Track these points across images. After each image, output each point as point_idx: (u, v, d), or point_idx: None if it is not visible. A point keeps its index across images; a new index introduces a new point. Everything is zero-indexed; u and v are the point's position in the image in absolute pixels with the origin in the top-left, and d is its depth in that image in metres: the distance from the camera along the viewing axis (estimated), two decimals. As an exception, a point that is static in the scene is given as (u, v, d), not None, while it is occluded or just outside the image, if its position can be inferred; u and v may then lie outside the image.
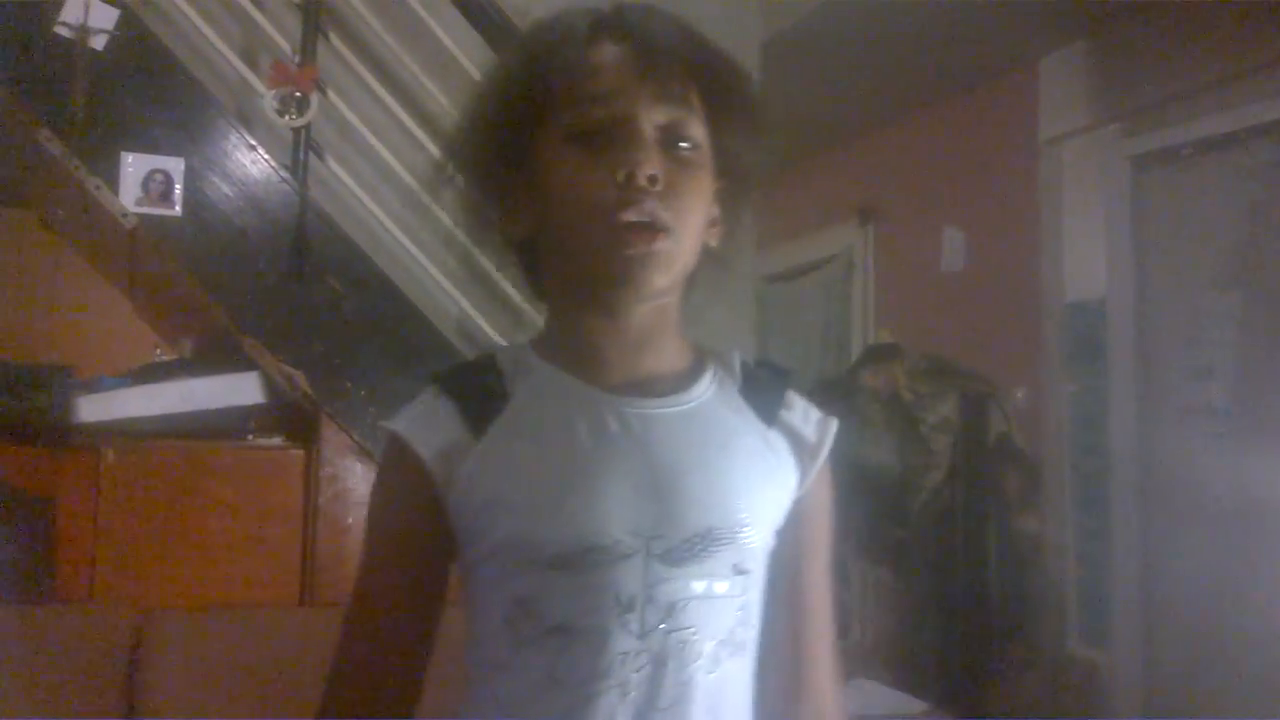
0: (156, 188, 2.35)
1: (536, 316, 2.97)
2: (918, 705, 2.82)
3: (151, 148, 2.37)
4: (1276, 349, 2.85)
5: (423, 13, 2.80)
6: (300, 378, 2.43)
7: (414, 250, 2.73)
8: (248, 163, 2.44)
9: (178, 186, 2.37)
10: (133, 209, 2.34)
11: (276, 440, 2.52)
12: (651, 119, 0.94)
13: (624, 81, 0.95)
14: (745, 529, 0.97)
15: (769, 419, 1.04)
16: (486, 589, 0.97)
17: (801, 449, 1.05)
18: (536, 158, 0.98)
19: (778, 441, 1.04)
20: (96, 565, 2.32)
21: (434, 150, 2.78)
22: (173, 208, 2.37)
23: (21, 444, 2.39)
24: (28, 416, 2.43)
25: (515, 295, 2.92)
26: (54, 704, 2.13)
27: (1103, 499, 3.25)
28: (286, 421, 2.55)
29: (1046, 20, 3.27)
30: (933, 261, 3.96)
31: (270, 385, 2.52)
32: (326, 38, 2.66)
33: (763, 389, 1.06)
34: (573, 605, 0.92)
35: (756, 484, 1.00)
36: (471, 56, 2.87)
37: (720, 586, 0.96)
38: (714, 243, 1.03)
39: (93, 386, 2.48)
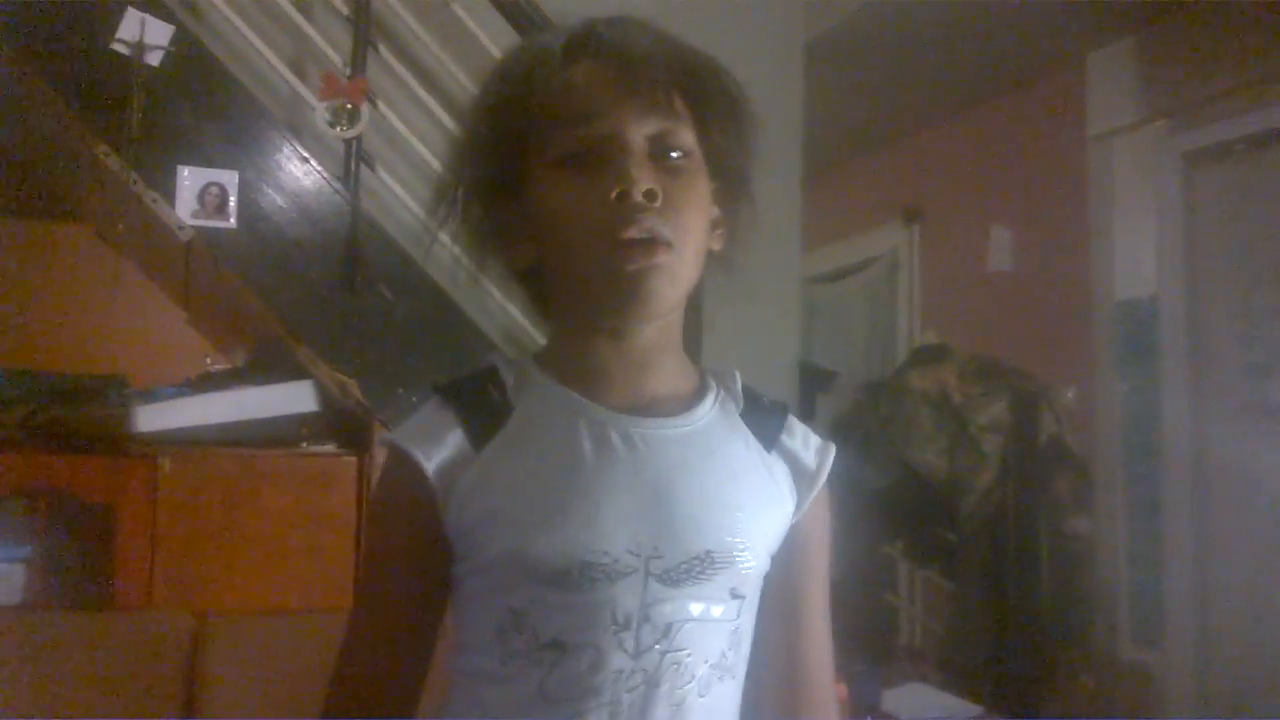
0: (212, 200, 2.39)
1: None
2: (970, 709, 2.81)
3: (206, 161, 2.40)
4: (1334, 346, 2.80)
5: (470, 23, 2.82)
6: (353, 385, 2.46)
7: (462, 257, 2.74)
8: (300, 174, 2.48)
9: (232, 199, 2.41)
10: (189, 222, 2.38)
11: (330, 447, 2.55)
12: (639, 132, 0.93)
13: (606, 99, 0.94)
14: (743, 553, 0.96)
15: (769, 443, 1.04)
16: (480, 600, 0.97)
17: (800, 475, 1.04)
18: (530, 187, 0.97)
19: (777, 466, 1.03)
20: (154, 572, 2.36)
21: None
22: (228, 220, 2.41)
23: (81, 454, 2.43)
24: (87, 427, 2.48)
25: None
26: (113, 708, 2.17)
27: (1155, 500, 3.22)
28: (339, 429, 2.58)
29: (1094, 16, 3.24)
30: (980, 261, 3.94)
31: (323, 393, 2.55)
32: (376, 49, 2.69)
33: (764, 413, 1.05)
34: (568, 621, 0.92)
35: (755, 508, 1.00)
36: (517, 65, 2.89)
37: (717, 610, 0.96)
38: (717, 246, 1.02)
39: (150, 397, 2.52)
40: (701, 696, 0.95)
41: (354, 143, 2.58)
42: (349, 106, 2.54)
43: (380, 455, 2.48)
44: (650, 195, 0.91)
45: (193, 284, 2.76)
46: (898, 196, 4.57)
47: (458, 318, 2.62)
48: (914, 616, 4.14)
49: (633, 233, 0.90)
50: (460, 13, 2.82)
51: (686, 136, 0.96)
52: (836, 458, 1.06)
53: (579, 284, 0.96)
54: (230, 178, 2.41)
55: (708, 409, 1.02)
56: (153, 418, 2.45)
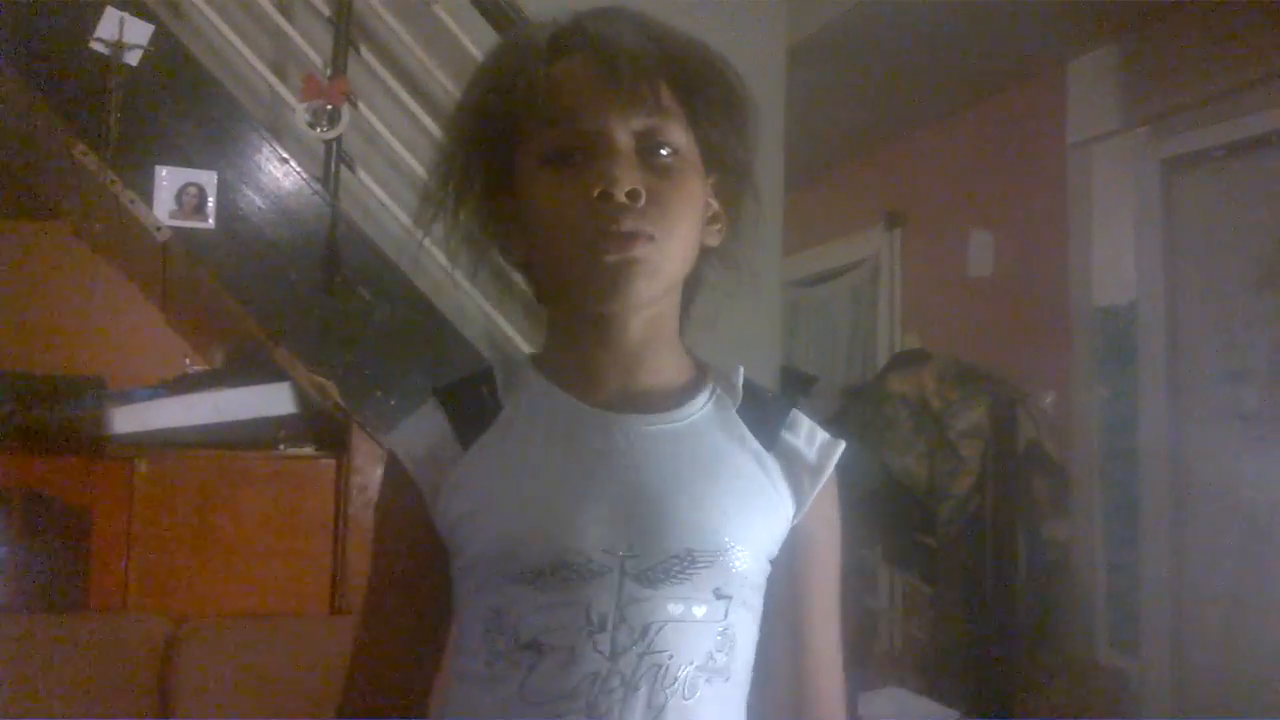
0: (190, 201, 2.38)
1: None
2: (948, 713, 2.82)
3: (185, 161, 2.39)
4: (1311, 353, 2.82)
5: (452, 24, 2.81)
6: (331, 387, 2.45)
7: (444, 260, 2.73)
8: (280, 175, 2.46)
9: (211, 199, 2.39)
10: (166, 222, 2.36)
11: (308, 450, 2.54)
12: (625, 130, 0.92)
13: (591, 95, 0.93)
14: (729, 552, 0.94)
15: (767, 440, 1.01)
16: (469, 600, 0.96)
17: (799, 472, 1.01)
18: (517, 182, 0.97)
19: (773, 463, 1.00)
20: (130, 574, 2.35)
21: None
22: (206, 220, 2.39)
23: (56, 455, 2.42)
24: (62, 427, 2.46)
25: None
26: (87, 711, 2.16)
27: (1133, 505, 3.23)
28: (317, 431, 2.57)
29: (1075, 23, 3.25)
30: (961, 266, 3.95)
31: (301, 395, 2.54)
32: (357, 51, 2.68)
33: (764, 409, 1.03)
34: (544, 622, 0.91)
35: (743, 506, 0.97)
36: (500, 67, 2.88)
37: (699, 610, 0.93)
38: (714, 242, 1.02)
39: (126, 398, 2.51)
40: (686, 699, 0.92)
41: (334, 144, 2.57)
42: (329, 107, 2.53)
43: (358, 457, 2.47)
44: (633, 195, 0.90)
45: (170, 285, 2.74)
46: (880, 201, 4.58)
47: (437, 320, 2.61)
48: (892, 621, 4.14)
49: (613, 228, 0.90)
50: (442, 14, 2.81)
51: (676, 133, 0.95)
52: (843, 454, 1.04)
53: (564, 278, 0.96)
54: (209, 178, 2.39)
55: (700, 405, 1.00)
56: (129, 419, 2.44)
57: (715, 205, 1.01)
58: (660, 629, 0.91)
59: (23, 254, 3.08)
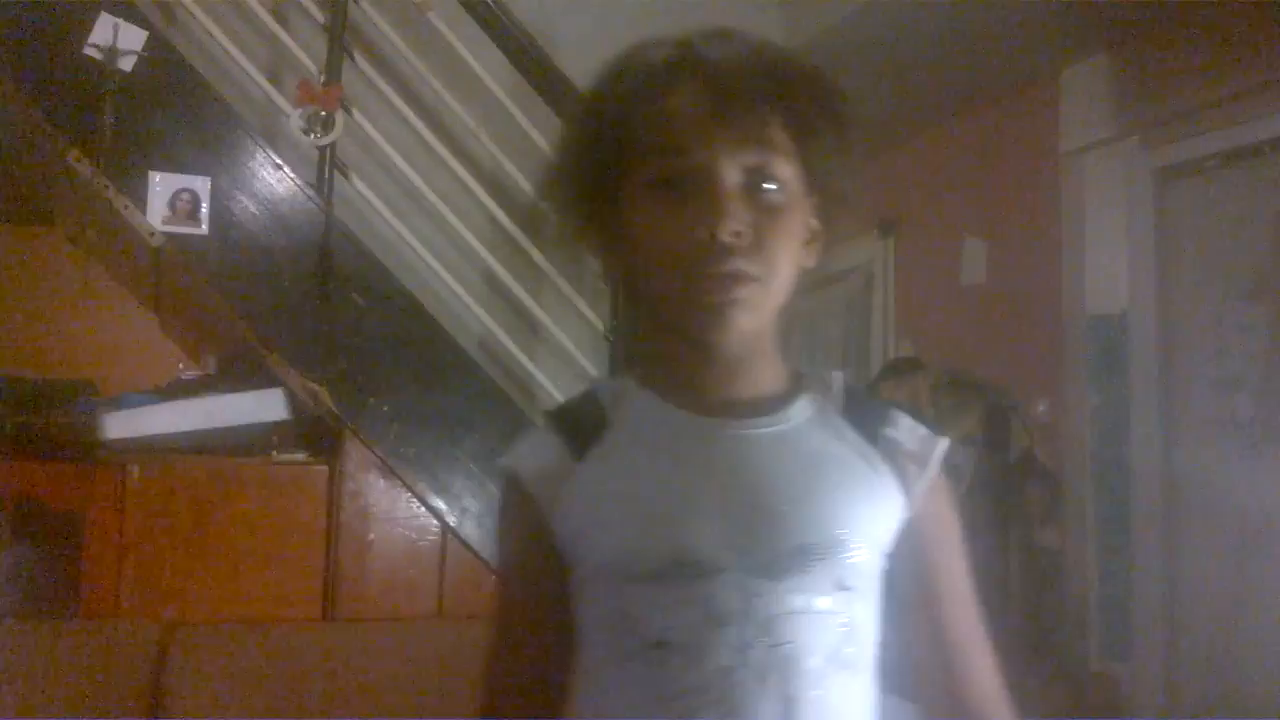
0: (183, 206, 2.38)
1: (559, 334, 2.98)
2: (940, 721, 2.81)
3: (179, 167, 2.39)
4: (1302, 362, 2.83)
5: (447, 32, 2.82)
6: (324, 394, 2.45)
7: (437, 267, 2.74)
8: (274, 181, 2.46)
9: (204, 205, 2.39)
10: (160, 228, 2.37)
11: (300, 456, 2.54)
12: (734, 165, 0.93)
13: (701, 129, 0.94)
14: (844, 545, 0.96)
15: (870, 437, 1.03)
16: (592, 604, 0.99)
17: (905, 467, 1.03)
18: (623, 203, 0.99)
19: (880, 460, 1.02)
20: (122, 580, 2.35)
21: (457, 167, 2.80)
22: (199, 226, 2.39)
23: (48, 460, 2.41)
24: (54, 433, 2.45)
25: (538, 313, 2.93)
26: (80, 717, 2.15)
27: (1125, 513, 3.23)
28: (310, 437, 2.57)
29: (1068, 32, 3.26)
30: (953, 274, 3.95)
31: (294, 401, 2.54)
32: (351, 57, 2.68)
33: (864, 408, 1.06)
34: (670, 619, 0.93)
35: (855, 501, 0.99)
36: (495, 75, 2.89)
37: (821, 602, 0.95)
38: (811, 263, 1.03)
39: (119, 403, 2.51)
40: (815, 690, 0.94)
41: (328, 150, 2.57)
42: (323, 114, 2.53)
43: (350, 464, 2.47)
44: (737, 235, 0.92)
45: (164, 290, 2.74)
46: (873, 208, 4.58)
47: (430, 326, 2.62)
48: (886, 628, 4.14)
49: (716, 269, 0.92)
50: (436, 21, 2.81)
51: (783, 167, 0.96)
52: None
53: (665, 305, 0.99)
54: (202, 184, 2.40)
55: (801, 408, 1.03)
56: (121, 425, 2.43)
57: (814, 224, 1.03)
58: (784, 621, 0.93)
59: (16, 259, 3.08)
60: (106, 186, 2.33)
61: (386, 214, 2.70)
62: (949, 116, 4.04)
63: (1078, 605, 3.34)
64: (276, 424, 2.53)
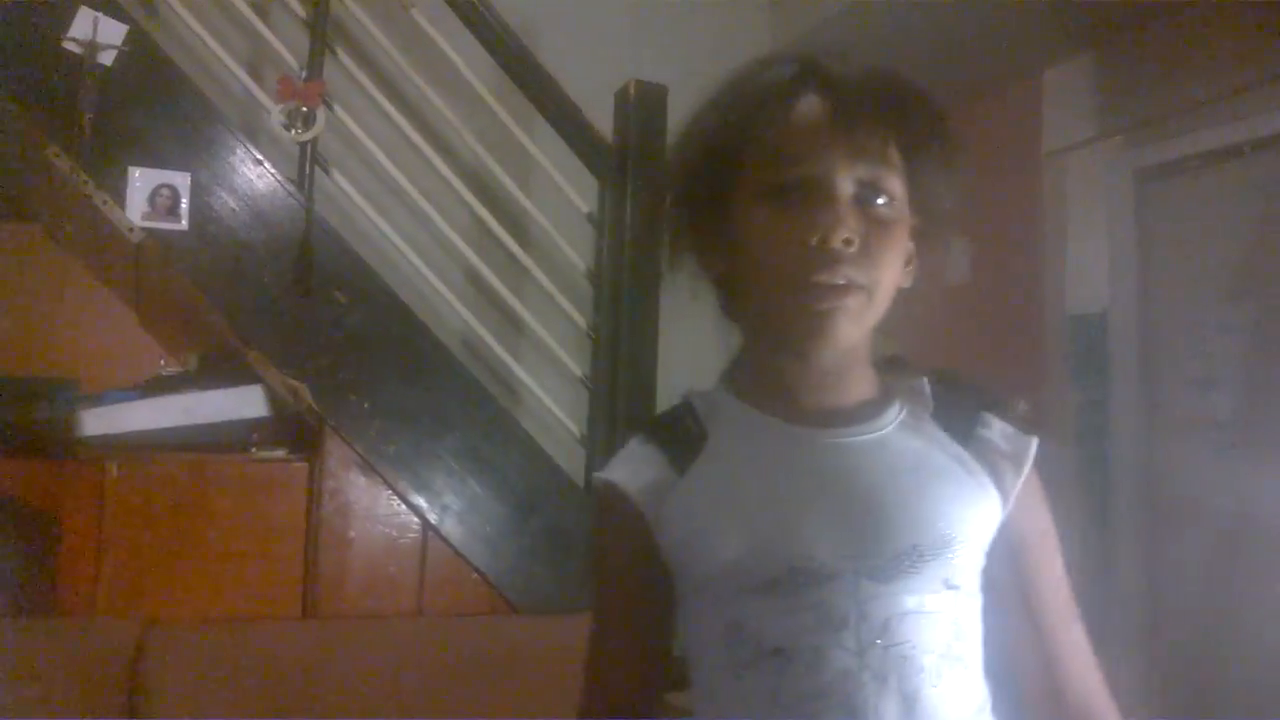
0: (163, 202, 2.36)
1: (541, 332, 2.97)
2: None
3: (158, 162, 2.38)
4: (1281, 361, 2.84)
5: (429, 27, 2.81)
6: (304, 391, 2.44)
7: (418, 264, 2.74)
8: (254, 177, 2.45)
9: (184, 201, 2.38)
10: (139, 223, 2.35)
11: (280, 453, 2.53)
12: (849, 177, 0.96)
13: (821, 141, 0.96)
14: (951, 544, 0.98)
15: (963, 439, 1.05)
16: (702, 615, 1.02)
17: (999, 467, 1.05)
18: (734, 207, 1.01)
19: (974, 461, 1.04)
20: (100, 578, 2.33)
21: (440, 164, 2.80)
22: (179, 222, 2.38)
23: (26, 457, 2.39)
24: (33, 430, 2.44)
25: (521, 311, 2.93)
26: (57, 715, 2.14)
27: (1105, 511, 3.24)
28: (290, 434, 2.56)
29: (1051, 33, 3.27)
30: (937, 273, 3.96)
31: (274, 398, 2.53)
32: (333, 53, 2.67)
33: (957, 410, 1.07)
34: (786, 627, 0.95)
35: (956, 500, 1.01)
36: (477, 71, 2.88)
37: (932, 601, 0.97)
38: (908, 283, 1.05)
39: (97, 400, 2.49)
40: (934, 687, 0.96)
41: (309, 146, 2.56)
42: (305, 109, 2.52)
43: (330, 461, 2.46)
44: (848, 242, 0.94)
45: (144, 287, 2.72)
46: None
47: (412, 324, 2.61)
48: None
49: (824, 277, 0.94)
50: (419, 18, 2.81)
51: (894, 184, 0.98)
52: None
53: (768, 313, 1.01)
54: (182, 179, 2.38)
55: (894, 414, 1.05)
56: (100, 421, 2.42)
57: (911, 246, 1.05)
58: (900, 621, 0.96)
59: (-6, 255, 3.06)
60: (86, 182, 2.32)
61: (368, 210, 2.69)
62: (932, 116, 4.04)
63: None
64: (256, 421, 2.52)
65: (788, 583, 0.95)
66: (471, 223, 2.93)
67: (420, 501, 2.54)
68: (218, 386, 2.52)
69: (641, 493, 1.03)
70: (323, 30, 2.62)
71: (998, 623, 1.04)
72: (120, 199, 2.35)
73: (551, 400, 2.90)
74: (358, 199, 2.68)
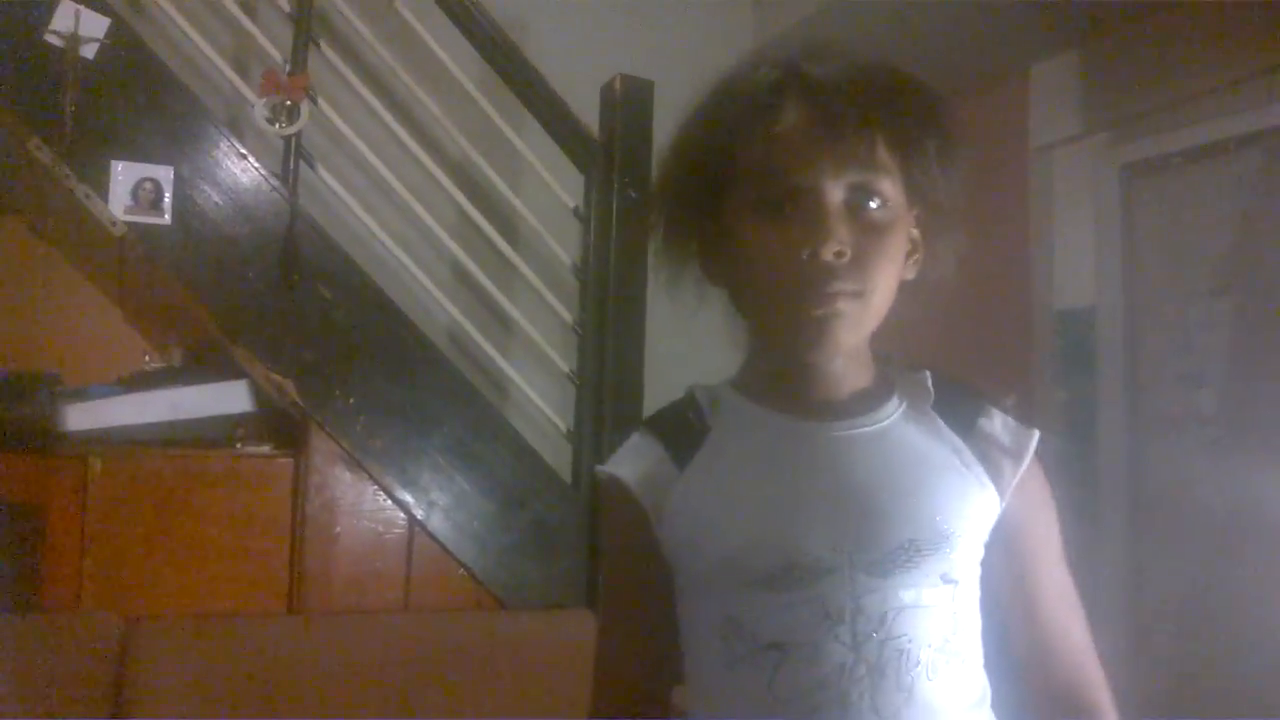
0: (146, 196, 2.35)
1: (528, 327, 2.96)
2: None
3: (141, 156, 2.36)
4: (1267, 356, 2.85)
5: (414, 22, 2.80)
6: (289, 386, 2.43)
7: (404, 259, 2.73)
8: (238, 171, 2.44)
9: (167, 195, 2.37)
10: (122, 217, 2.34)
11: (265, 449, 2.52)
12: (838, 185, 0.95)
13: (807, 151, 0.95)
14: (949, 538, 0.98)
15: (963, 432, 1.05)
16: (700, 609, 1.02)
17: (998, 460, 1.05)
18: (726, 220, 1.01)
19: (974, 453, 1.05)
20: (84, 573, 2.32)
21: (425, 159, 2.79)
22: (162, 216, 2.37)
23: (9, 452, 2.38)
24: (15, 425, 2.42)
25: (507, 306, 2.92)
26: (41, 711, 2.13)
27: (1091, 506, 3.25)
28: (275, 430, 2.55)
29: (1038, 29, 3.27)
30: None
31: (259, 394, 2.52)
32: (318, 46, 2.66)
33: (957, 403, 1.08)
34: (782, 621, 0.96)
35: (954, 494, 1.01)
36: (463, 66, 2.87)
37: (929, 595, 0.98)
38: (911, 275, 1.05)
39: (81, 395, 2.48)
40: (930, 680, 0.96)
41: (293, 140, 2.55)
42: (289, 103, 2.51)
43: (316, 457, 2.45)
44: (839, 254, 0.94)
45: (127, 281, 2.71)
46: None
47: (397, 318, 2.60)
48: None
49: (818, 289, 0.94)
50: (404, 12, 2.80)
51: (886, 185, 0.98)
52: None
53: (767, 322, 1.02)
54: (165, 173, 2.37)
55: (895, 406, 1.05)
56: (83, 416, 2.41)
57: (915, 235, 1.05)
58: (897, 615, 0.96)
59: (-24, 249, 3.04)
60: (68, 175, 2.30)
61: (353, 205, 2.68)
62: (919, 111, 4.04)
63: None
64: (241, 416, 2.51)
65: (785, 577, 0.95)
66: (457, 217, 2.92)
67: (406, 497, 2.54)
68: (202, 382, 2.51)
69: (643, 486, 1.04)
70: (307, 23, 2.61)
71: (997, 616, 1.04)
72: (103, 192, 2.33)
73: (538, 396, 2.90)
74: (343, 194, 2.67)
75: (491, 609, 2.61)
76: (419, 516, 2.54)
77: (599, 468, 1.09)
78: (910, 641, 0.96)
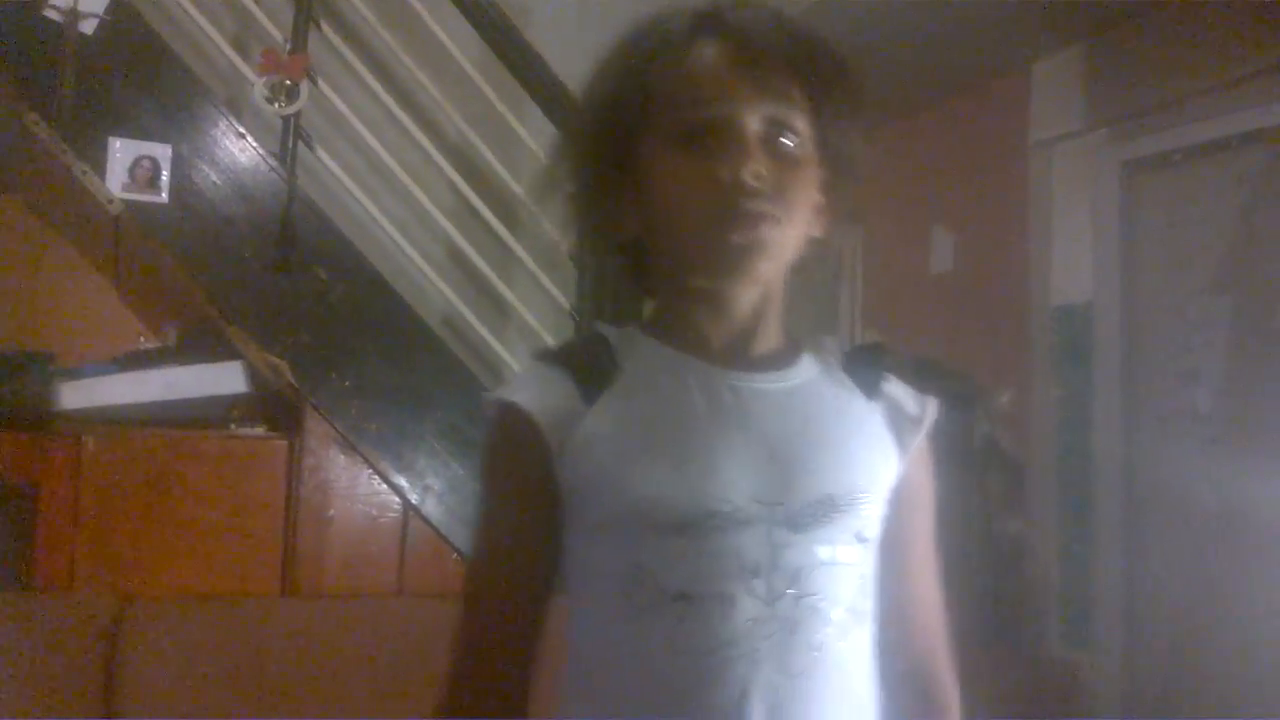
0: (143, 174, 2.34)
1: (524, 312, 2.95)
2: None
3: (139, 134, 2.35)
4: (1264, 354, 2.85)
5: (415, 3, 2.79)
6: (284, 367, 2.42)
7: (402, 241, 2.72)
8: (236, 150, 2.43)
9: (165, 173, 2.36)
10: (119, 195, 2.33)
11: (259, 430, 2.51)
12: (755, 116, 0.95)
13: (724, 82, 0.96)
14: (863, 495, 0.98)
15: (872, 394, 1.05)
16: (598, 558, 0.97)
17: (904, 423, 1.05)
18: (642, 159, 0.99)
19: (881, 415, 1.05)
20: (77, 553, 2.31)
21: (424, 140, 2.78)
22: (159, 194, 2.36)
23: (3, 430, 2.37)
24: (9, 403, 2.41)
25: (503, 289, 2.92)
26: (32, 691, 2.13)
27: (1087, 502, 3.25)
28: (269, 411, 2.54)
29: (1039, 25, 3.27)
30: (921, 262, 3.96)
31: (254, 374, 2.51)
32: (318, 26, 2.65)
33: (865, 366, 1.07)
34: (694, 571, 0.92)
35: (867, 454, 1.02)
36: (464, 48, 2.86)
37: (845, 553, 0.97)
38: (819, 233, 1.04)
39: (75, 373, 2.47)
40: (840, 641, 0.95)
41: (292, 120, 2.53)
42: (288, 83, 2.50)
43: (310, 439, 2.45)
44: (760, 178, 0.93)
45: (123, 260, 2.70)
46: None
47: (394, 301, 2.59)
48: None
49: (739, 208, 0.93)
50: (406, -8, 2.79)
51: (801, 123, 0.97)
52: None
53: (684, 256, 0.99)
54: (163, 151, 2.36)
55: (808, 364, 1.04)
56: (77, 395, 2.40)
57: (819, 197, 1.03)
58: (812, 572, 0.94)
59: (-29, 225, 3.02)
60: (65, 152, 2.29)
61: (351, 186, 2.67)
62: (920, 106, 4.04)
63: (1039, 592, 3.36)
64: (236, 397, 2.50)
65: (700, 525, 0.92)
66: (455, 200, 2.91)
67: (401, 481, 2.53)
68: (197, 362, 2.50)
69: (547, 418, 0.96)
70: (307, 3, 2.59)
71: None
72: (100, 169, 2.32)
73: (534, 381, 2.88)
74: (341, 175, 2.66)
75: (484, 594, 2.60)
76: (413, 500, 2.54)
77: (491, 394, 1.01)
78: (824, 600, 0.94)
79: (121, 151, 2.33)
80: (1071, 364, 3.36)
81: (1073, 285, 3.39)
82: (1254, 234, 2.91)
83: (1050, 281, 3.45)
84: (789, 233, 0.97)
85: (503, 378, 3.05)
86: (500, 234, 2.89)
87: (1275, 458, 2.71)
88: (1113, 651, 3.14)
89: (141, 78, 2.37)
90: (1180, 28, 3.01)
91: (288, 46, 2.55)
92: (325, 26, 2.68)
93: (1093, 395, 3.27)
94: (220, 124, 2.42)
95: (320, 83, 2.62)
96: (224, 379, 2.47)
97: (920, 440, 1.06)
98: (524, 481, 0.99)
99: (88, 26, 2.29)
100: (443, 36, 2.81)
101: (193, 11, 2.56)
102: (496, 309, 3.07)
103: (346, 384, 2.47)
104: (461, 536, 2.58)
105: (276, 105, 2.50)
